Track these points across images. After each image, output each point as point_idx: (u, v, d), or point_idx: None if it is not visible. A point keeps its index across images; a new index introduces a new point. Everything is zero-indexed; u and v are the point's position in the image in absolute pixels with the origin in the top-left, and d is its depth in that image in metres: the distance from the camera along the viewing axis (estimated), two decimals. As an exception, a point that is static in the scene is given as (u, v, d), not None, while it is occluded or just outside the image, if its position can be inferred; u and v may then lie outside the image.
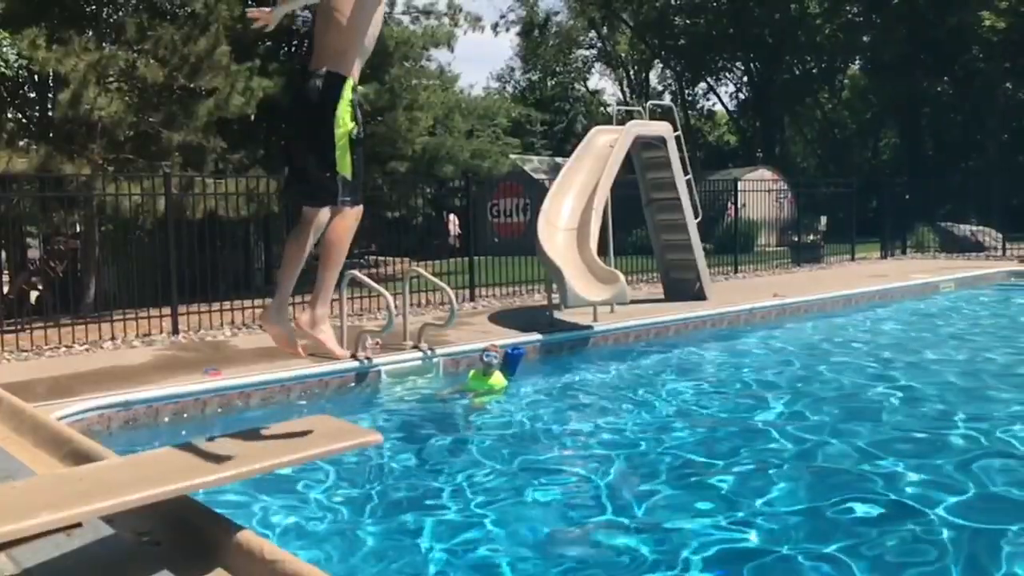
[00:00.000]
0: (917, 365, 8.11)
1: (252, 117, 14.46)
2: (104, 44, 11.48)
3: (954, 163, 31.03)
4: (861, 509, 4.34)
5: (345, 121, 3.03)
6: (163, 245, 9.97)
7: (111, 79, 11.39)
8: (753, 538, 4.01)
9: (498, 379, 7.08)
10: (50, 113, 12.12)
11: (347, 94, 3.05)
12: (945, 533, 3.99)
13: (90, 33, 11.28)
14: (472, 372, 7.23)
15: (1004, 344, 9.10)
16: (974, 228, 20.71)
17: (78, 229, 12.09)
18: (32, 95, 13.22)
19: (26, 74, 12.96)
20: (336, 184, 3.04)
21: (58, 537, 2.44)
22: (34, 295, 11.32)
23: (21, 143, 11.89)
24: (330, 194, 3.07)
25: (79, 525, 2.47)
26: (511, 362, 7.34)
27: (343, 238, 3.10)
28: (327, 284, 3.13)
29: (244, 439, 2.97)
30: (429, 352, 7.73)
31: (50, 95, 12.29)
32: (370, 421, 6.31)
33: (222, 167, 12.79)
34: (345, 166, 3.04)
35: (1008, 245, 19.04)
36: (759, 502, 4.48)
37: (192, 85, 11.70)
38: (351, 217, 3.10)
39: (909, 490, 4.59)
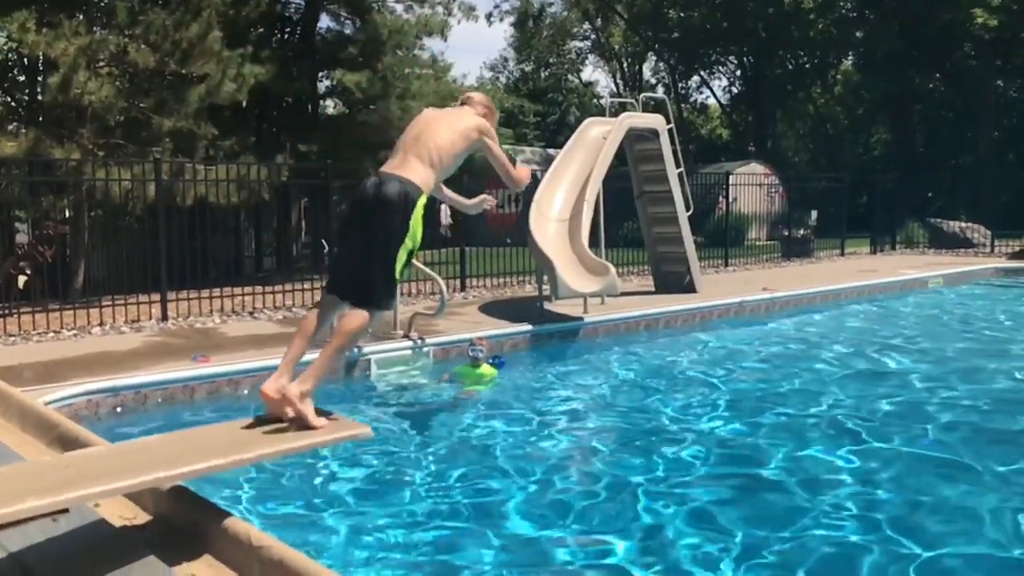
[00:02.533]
0: (904, 359, 8.16)
1: (244, 104, 14.39)
2: (95, 28, 11.39)
3: (945, 160, 31.16)
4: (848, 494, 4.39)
5: (415, 235, 3.23)
6: (153, 231, 9.93)
7: (101, 63, 11.30)
8: (743, 529, 4.04)
9: (488, 369, 7.10)
10: (40, 97, 12.03)
11: (420, 209, 3.25)
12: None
13: (80, 17, 11.18)
14: (462, 366, 7.24)
15: (991, 337, 9.18)
16: (963, 224, 20.80)
17: (67, 214, 12.02)
18: (21, 79, 13.11)
19: (15, 57, 12.88)
20: (383, 288, 3.21)
21: (45, 522, 2.44)
22: (22, 280, 11.25)
23: (10, 127, 11.80)
24: (371, 295, 3.20)
25: (66, 511, 2.46)
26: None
27: (357, 330, 3.21)
28: (326, 366, 3.21)
29: (234, 429, 2.96)
30: (419, 341, 7.74)
31: (40, 79, 12.20)
32: (360, 409, 6.31)
33: (213, 154, 12.72)
34: (396, 271, 3.23)
35: (997, 242, 19.14)
36: (748, 495, 4.52)
37: (183, 71, 11.62)
38: (368, 317, 3.22)
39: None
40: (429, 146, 3.42)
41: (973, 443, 5.38)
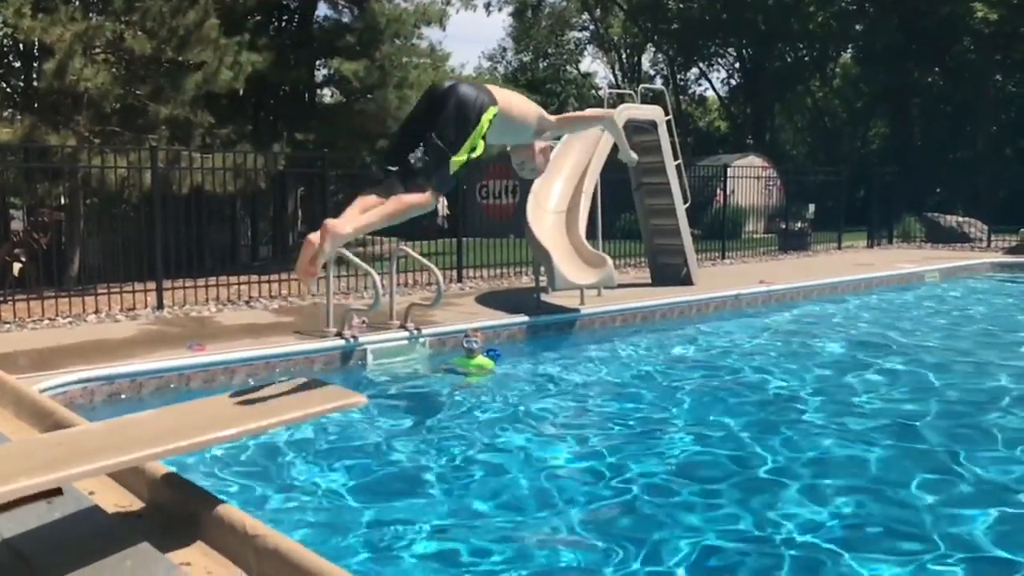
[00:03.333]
0: (897, 352, 8.18)
1: (241, 92, 14.34)
2: (90, 14, 11.34)
3: (943, 154, 31.14)
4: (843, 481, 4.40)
5: (480, 135, 3.26)
6: (148, 219, 9.90)
7: (98, 50, 11.25)
8: (737, 519, 4.05)
9: (485, 360, 7.11)
10: (35, 83, 11.98)
11: (489, 115, 3.29)
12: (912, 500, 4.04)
13: (76, 2, 11.12)
14: (459, 357, 7.25)
15: (985, 331, 9.20)
16: (960, 219, 20.81)
17: (63, 201, 11.98)
18: (17, 64, 13.05)
19: (11, 43, 12.81)
20: (443, 171, 3.21)
21: (38, 508, 2.43)
22: (17, 267, 11.22)
23: (5, 113, 11.76)
24: (430, 177, 3.18)
25: (60, 493, 2.45)
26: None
27: (415, 205, 3.17)
28: (368, 222, 3.13)
29: (226, 402, 2.94)
30: (415, 332, 7.73)
31: (35, 65, 12.14)
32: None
33: (209, 142, 12.69)
34: (454, 164, 3.23)
35: (993, 237, 19.17)
36: (740, 484, 4.53)
37: (180, 58, 11.58)
38: (425, 198, 3.19)
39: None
40: (507, 97, 3.52)
41: (961, 438, 5.39)
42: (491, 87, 3.48)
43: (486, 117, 3.27)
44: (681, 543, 3.79)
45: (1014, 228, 18.53)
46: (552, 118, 3.71)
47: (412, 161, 3.18)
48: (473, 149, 3.27)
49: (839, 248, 18.88)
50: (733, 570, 3.62)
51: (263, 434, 4.44)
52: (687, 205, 11.67)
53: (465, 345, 7.10)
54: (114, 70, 11.32)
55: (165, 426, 2.63)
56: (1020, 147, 30.54)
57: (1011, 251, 17.40)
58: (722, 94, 42.11)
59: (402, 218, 3.17)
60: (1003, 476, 4.68)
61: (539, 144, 3.72)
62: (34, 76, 12.22)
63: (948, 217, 21.00)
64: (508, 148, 3.75)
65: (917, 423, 5.70)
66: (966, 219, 20.75)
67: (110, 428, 2.84)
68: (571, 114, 3.99)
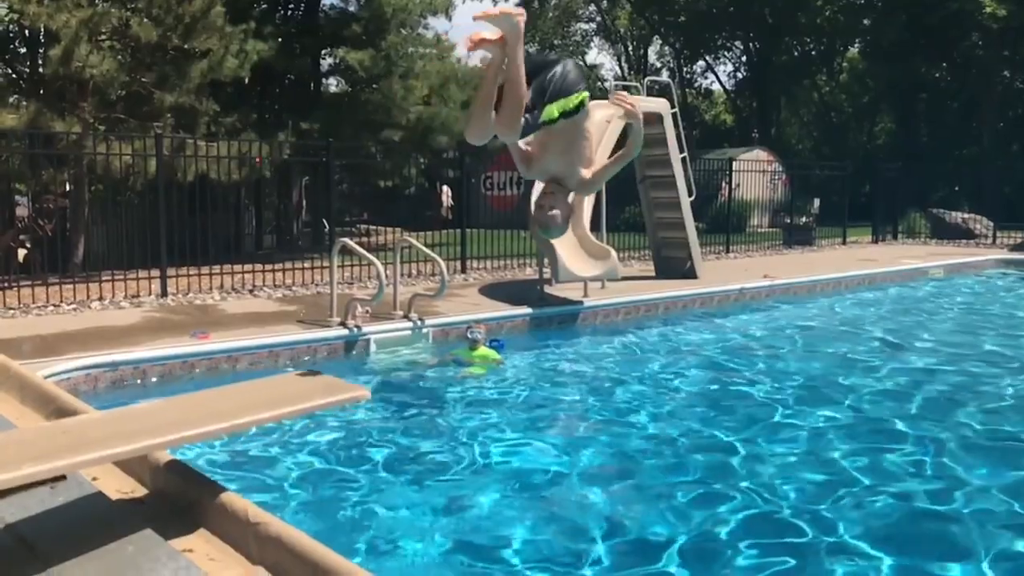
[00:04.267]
0: (899, 347, 8.17)
1: (246, 80, 14.33)
2: (96, 1, 11.32)
3: (948, 150, 31.03)
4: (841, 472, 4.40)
5: (567, 104, 3.71)
6: (153, 207, 9.91)
7: (103, 37, 11.23)
8: (736, 508, 4.06)
9: (489, 352, 7.12)
10: (41, 69, 11.98)
11: (581, 96, 3.78)
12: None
13: (82, -11, 11.10)
14: (463, 348, 7.26)
15: (994, 328, 9.18)
16: (965, 215, 20.75)
17: (68, 188, 12.00)
18: (23, 50, 13.05)
19: (17, 29, 12.80)
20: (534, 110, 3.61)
21: (41, 493, 2.44)
22: (22, 253, 11.24)
23: (11, 99, 11.76)
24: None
25: (63, 478, 2.47)
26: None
27: (523, 94, 3.51)
28: (519, 63, 3.50)
29: (231, 394, 2.95)
30: (419, 322, 7.74)
31: (41, 51, 12.14)
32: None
33: (214, 130, 12.69)
34: (544, 113, 3.65)
35: (998, 233, 19.11)
36: (736, 478, 4.53)
37: (186, 46, 11.56)
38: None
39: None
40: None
41: (958, 433, 5.39)
42: None
43: (581, 95, 3.71)
44: (680, 533, 3.80)
45: (1020, 225, 18.49)
46: (593, 166, 4.06)
47: None
48: (563, 114, 3.65)
49: (843, 243, 18.84)
50: (732, 565, 3.62)
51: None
52: (692, 198, 11.65)
53: (469, 336, 7.11)
54: (120, 57, 11.31)
55: (168, 417, 2.64)
56: (1026, 144, 30.43)
57: (1016, 248, 17.36)
58: (728, 87, 41.98)
59: (516, 91, 3.48)
60: (999, 469, 4.68)
61: (570, 197, 3.93)
62: (39, 62, 12.22)
63: (953, 213, 20.93)
64: (546, 179, 3.92)
65: (916, 419, 5.70)
66: (971, 215, 20.68)
67: (116, 417, 2.86)
68: (606, 166, 4.22)
